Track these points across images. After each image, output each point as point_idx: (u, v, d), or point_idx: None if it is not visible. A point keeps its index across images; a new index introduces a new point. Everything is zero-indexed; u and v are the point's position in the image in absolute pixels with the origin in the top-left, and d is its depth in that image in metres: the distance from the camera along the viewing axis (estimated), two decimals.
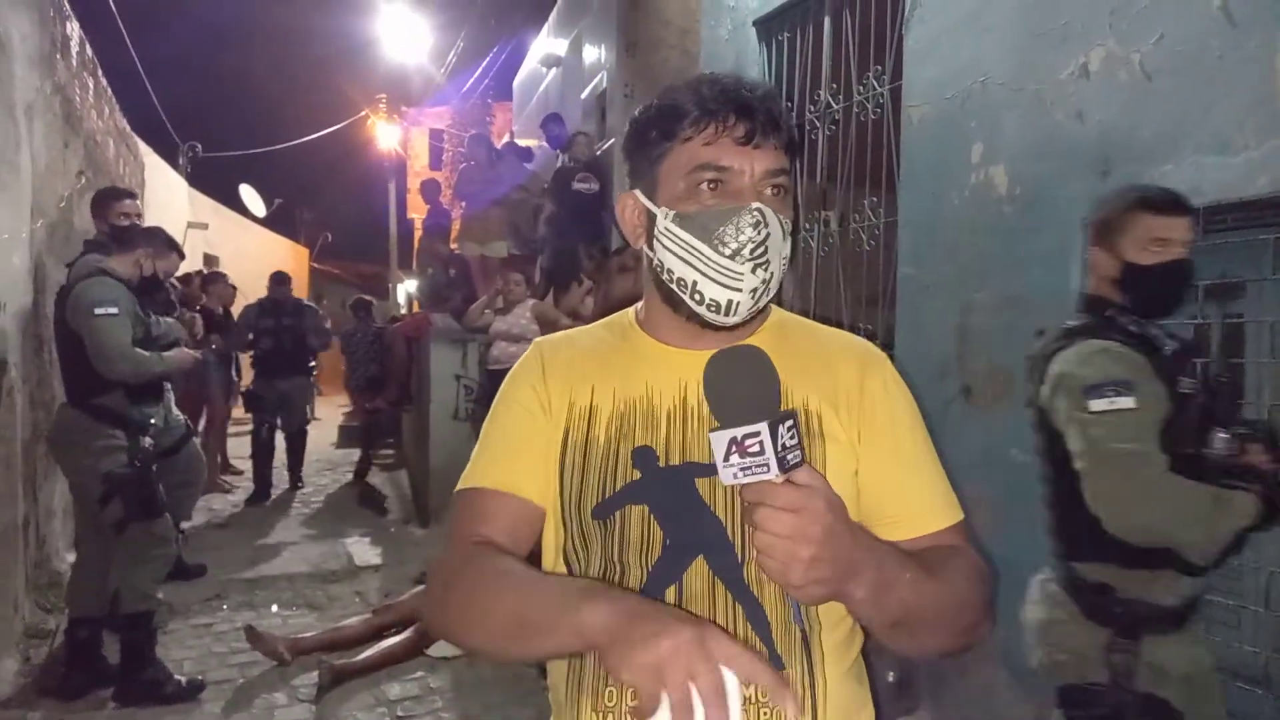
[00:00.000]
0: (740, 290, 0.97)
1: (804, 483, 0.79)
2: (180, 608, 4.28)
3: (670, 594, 0.96)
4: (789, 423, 0.78)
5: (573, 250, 7.07)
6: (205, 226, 12.35)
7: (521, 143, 9.09)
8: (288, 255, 20.33)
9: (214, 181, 14.15)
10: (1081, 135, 2.53)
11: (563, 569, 1.04)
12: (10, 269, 3.72)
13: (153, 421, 3.47)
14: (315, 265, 23.12)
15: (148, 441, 3.42)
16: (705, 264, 0.98)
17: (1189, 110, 2.25)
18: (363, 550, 5.58)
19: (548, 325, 5.73)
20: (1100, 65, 2.48)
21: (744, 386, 0.81)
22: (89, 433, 3.33)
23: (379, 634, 3.96)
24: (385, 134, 19.75)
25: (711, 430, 0.80)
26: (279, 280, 7.30)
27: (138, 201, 4.13)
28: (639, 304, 1.14)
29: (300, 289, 19.43)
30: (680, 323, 1.04)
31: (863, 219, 3.59)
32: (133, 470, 3.32)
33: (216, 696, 3.47)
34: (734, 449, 0.78)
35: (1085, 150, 2.51)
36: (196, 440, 4.10)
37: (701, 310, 1.00)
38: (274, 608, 4.51)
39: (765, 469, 0.77)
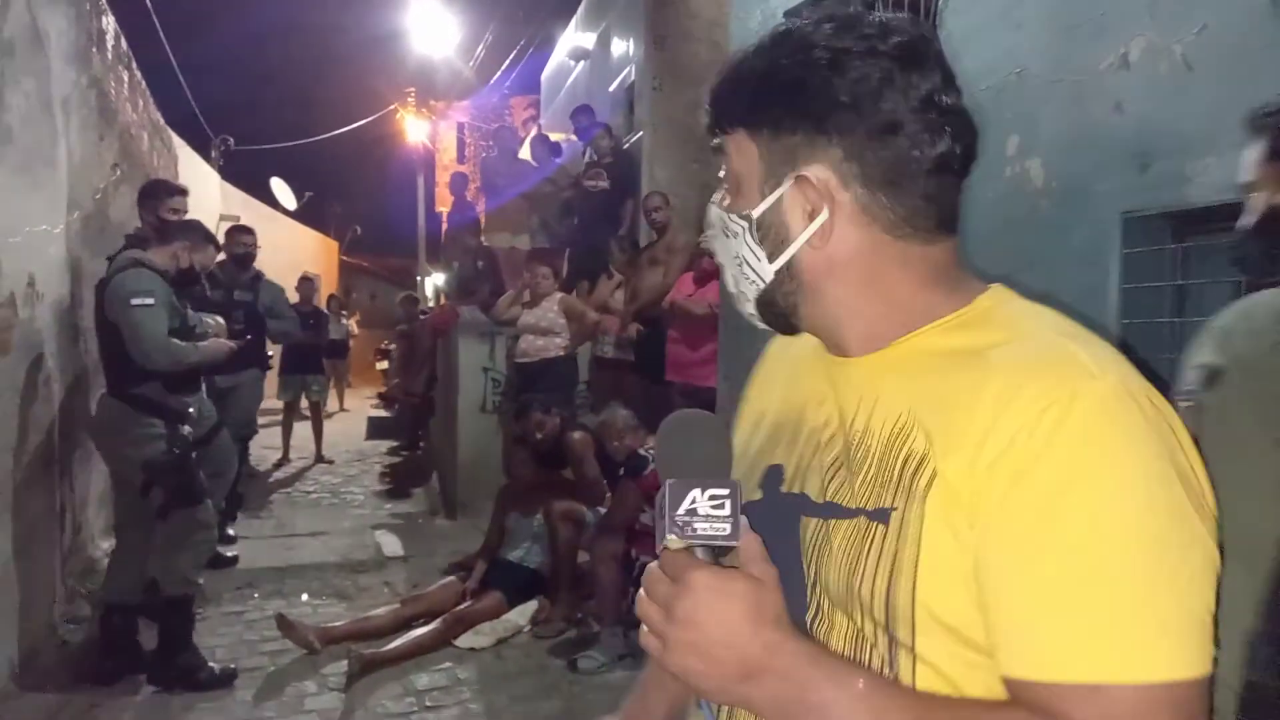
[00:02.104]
0: (729, 295, 0.89)
1: (738, 562, 0.70)
2: (212, 596, 4.33)
3: None
4: (709, 489, 0.70)
5: (598, 244, 7.09)
6: (237, 219, 12.49)
7: (551, 136, 9.10)
8: (317, 248, 20.54)
9: (246, 175, 14.34)
10: (1120, 127, 2.48)
11: None
12: (47, 260, 3.78)
13: (190, 410, 3.53)
14: (344, 258, 23.34)
15: (186, 429, 3.48)
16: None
17: (1232, 102, 2.20)
18: (391, 542, 5.63)
19: (575, 318, 5.74)
20: (1140, 56, 2.43)
21: (678, 450, 0.74)
22: (129, 421, 3.39)
23: (407, 624, 4.00)
24: (414, 128, 19.87)
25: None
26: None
27: (186, 199, 4.21)
28: None
29: (329, 282, 19.64)
30: None
31: None
32: (172, 457, 3.38)
33: (248, 684, 3.52)
34: (658, 511, 0.73)
35: (1124, 143, 2.46)
36: (226, 431, 4.16)
37: None
38: (304, 597, 4.57)
39: (665, 530, 0.71)
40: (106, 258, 3.71)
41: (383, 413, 10.39)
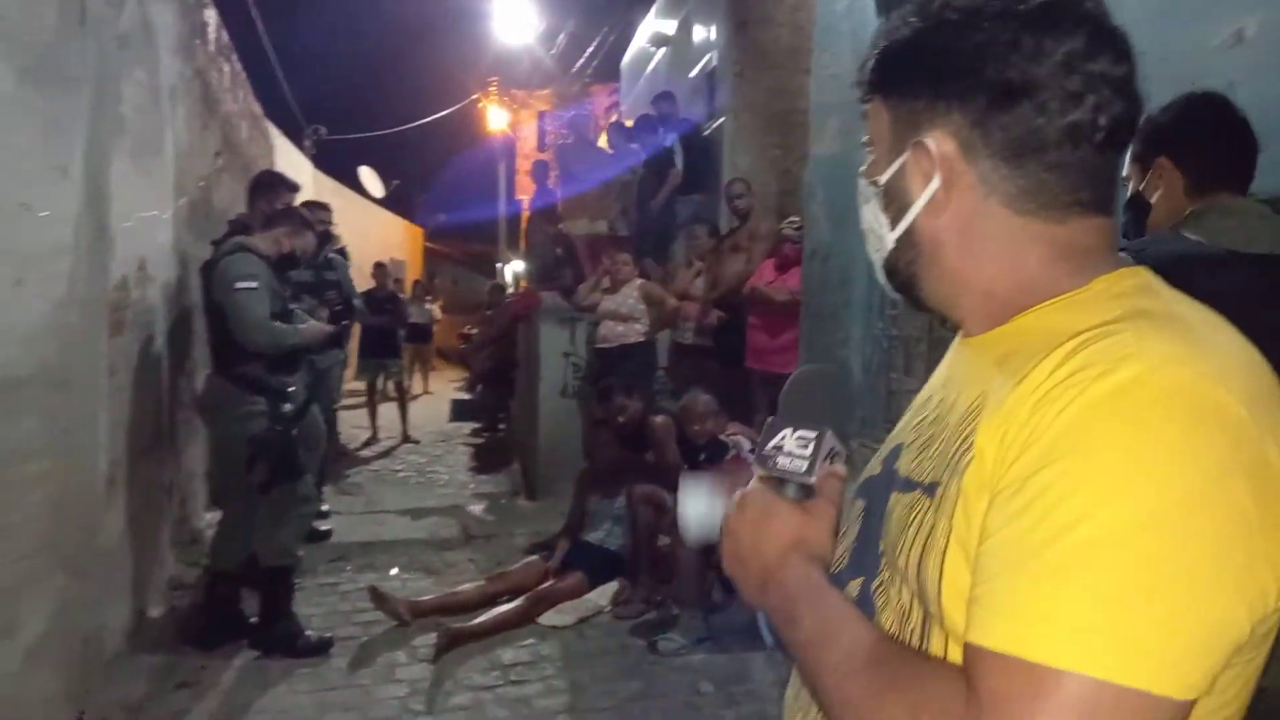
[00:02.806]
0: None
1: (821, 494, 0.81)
2: (308, 568, 4.51)
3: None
4: (799, 430, 0.81)
5: (671, 231, 7.12)
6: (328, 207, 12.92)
7: (628, 124, 9.13)
8: (403, 235, 21.02)
9: (336, 163, 14.77)
10: None
11: None
12: (156, 245, 3.97)
13: (290, 389, 3.69)
14: (429, 245, 23.85)
15: (287, 407, 3.64)
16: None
17: None
18: (476, 521, 5.77)
19: (655, 304, 5.77)
20: (1256, 33, 2.32)
21: (798, 399, 0.87)
22: (234, 399, 3.56)
23: (492, 601, 4.10)
24: (495, 117, 20.18)
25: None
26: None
27: (296, 195, 4.42)
28: None
29: (414, 268, 20.10)
30: None
31: None
32: (275, 434, 3.54)
33: (342, 652, 3.66)
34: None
35: None
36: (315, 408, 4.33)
37: None
38: (393, 571, 4.72)
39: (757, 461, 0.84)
40: (212, 242, 3.89)
41: (466, 395, 10.62)
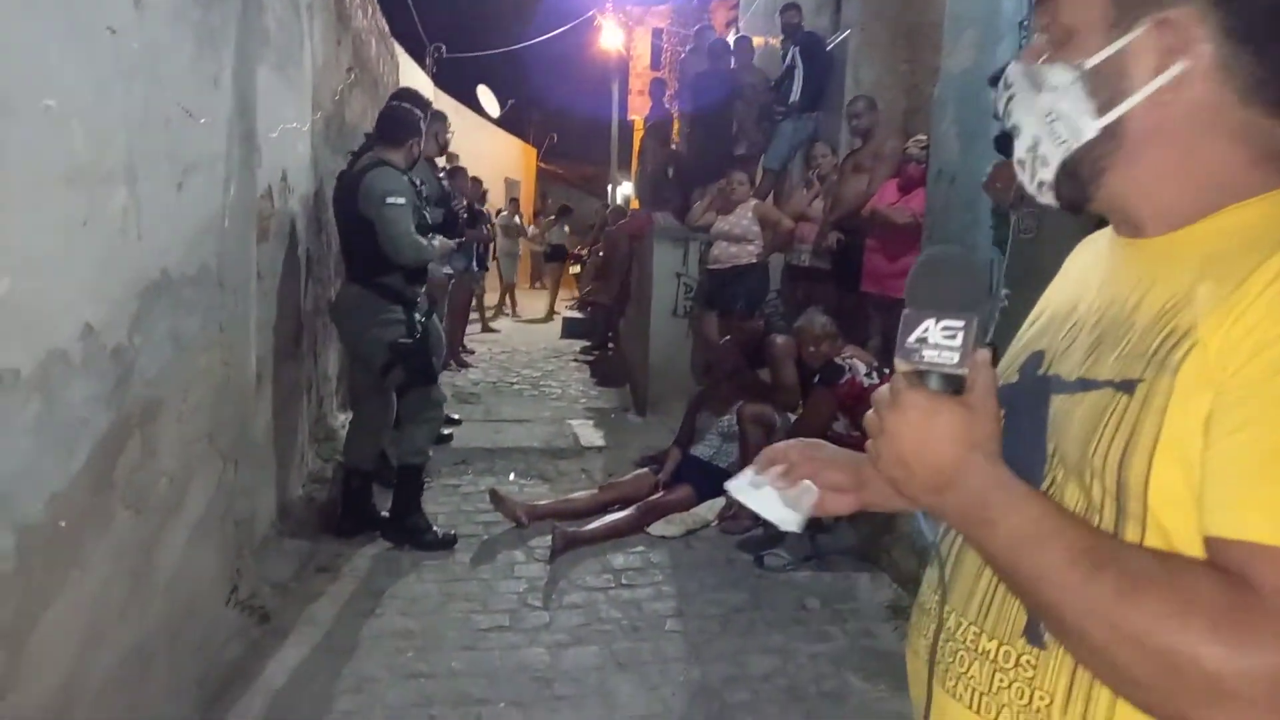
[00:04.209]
0: (1019, 163, 0.83)
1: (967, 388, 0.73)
2: (432, 470, 4.77)
3: None
4: (944, 320, 0.73)
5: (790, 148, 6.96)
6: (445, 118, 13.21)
7: (752, 39, 8.86)
8: (518, 155, 21.22)
9: (454, 82, 14.93)
10: None
11: None
12: (297, 157, 4.14)
13: (421, 299, 3.87)
14: (541, 165, 24.01)
15: (419, 316, 3.82)
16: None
17: None
18: (587, 433, 5.95)
19: (770, 226, 5.69)
20: None
21: (928, 284, 0.77)
22: (374, 307, 3.76)
23: (603, 508, 4.25)
24: (609, 35, 19.88)
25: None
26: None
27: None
28: None
29: (528, 189, 20.33)
30: None
31: None
32: (414, 341, 3.73)
33: (465, 548, 3.90)
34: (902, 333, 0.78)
35: None
36: (436, 318, 4.51)
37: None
38: (511, 476, 4.94)
39: (900, 355, 0.77)
40: (351, 152, 4.04)
41: (577, 314, 10.83)
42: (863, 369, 3.93)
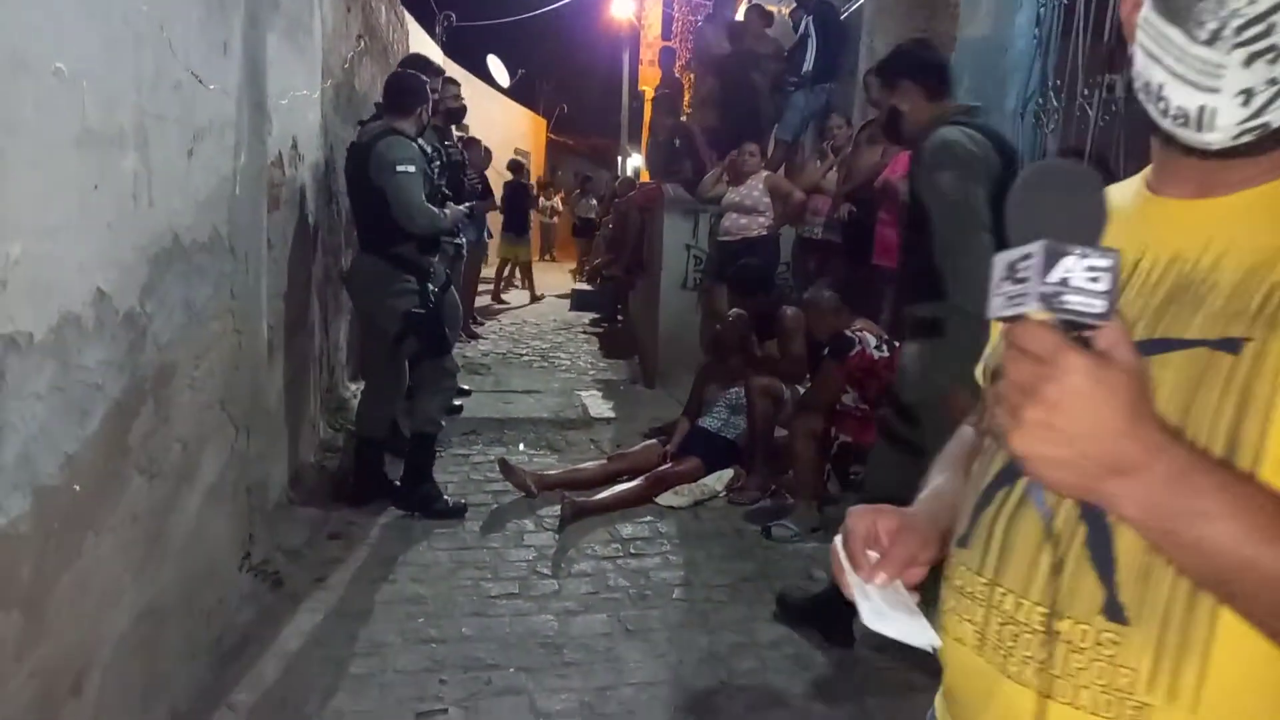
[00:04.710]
0: (1217, 91, 0.68)
1: (1099, 346, 0.59)
2: (443, 439, 4.79)
3: (1019, 487, 0.81)
4: (1088, 258, 0.59)
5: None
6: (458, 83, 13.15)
7: (767, 7, 8.75)
8: (528, 126, 21.08)
9: (464, 51, 14.81)
10: None
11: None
12: (307, 125, 4.13)
13: (433, 270, 3.87)
14: (551, 136, 23.87)
15: (432, 287, 3.82)
16: (1175, 57, 0.70)
17: None
18: (596, 404, 5.97)
19: (781, 198, 5.65)
20: None
21: (1044, 203, 0.63)
22: (387, 277, 3.76)
23: (612, 479, 4.28)
24: (621, 3, 19.67)
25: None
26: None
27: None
28: None
29: (538, 160, 20.23)
30: (1161, 157, 0.80)
31: None
32: (428, 311, 3.74)
33: (475, 517, 3.93)
34: (1007, 273, 0.63)
35: None
36: (454, 289, 4.52)
37: (1168, 125, 0.73)
38: (520, 446, 4.96)
39: (1027, 300, 0.60)
40: (359, 122, 4.02)
41: (587, 286, 10.83)
42: (872, 341, 3.91)
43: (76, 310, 1.76)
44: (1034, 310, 0.60)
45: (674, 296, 6.46)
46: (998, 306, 0.64)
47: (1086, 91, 3.55)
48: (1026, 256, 0.61)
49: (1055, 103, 3.78)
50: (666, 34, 20.30)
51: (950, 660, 0.87)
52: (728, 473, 4.39)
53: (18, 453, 1.56)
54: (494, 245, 12.07)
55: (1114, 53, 3.50)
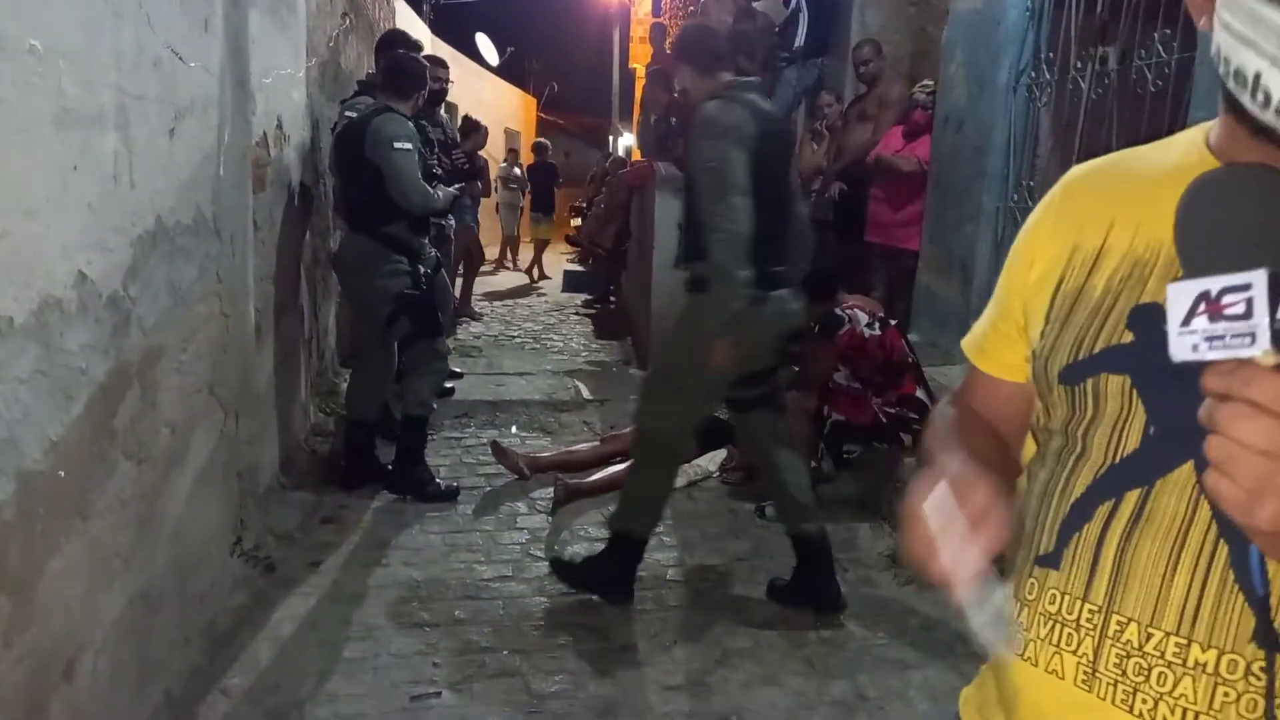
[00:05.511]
0: None
1: None
2: (434, 422, 4.77)
3: (1130, 501, 0.73)
4: None
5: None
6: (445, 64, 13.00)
7: None
8: (518, 105, 20.92)
9: (452, 29, 14.67)
10: None
11: (1031, 443, 0.88)
12: (292, 104, 4.07)
13: (424, 251, 3.84)
14: (542, 115, 23.70)
15: (423, 268, 3.79)
16: (1276, 43, 0.59)
17: None
18: (588, 385, 5.94)
19: None
20: None
21: (1237, 221, 0.53)
22: (379, 258, 3.72)
23: (605, 460, 4.26)
24: None
25: (1173, 280, 0.54)
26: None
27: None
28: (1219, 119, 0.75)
29: (528, 139, 20.08)
30: (1249, 143, 0.68)
31: (1150, 55, 3.18)
32: (419, 292, 3.71)
33: (468, 500, 3.91)
34: (1202, 307, 0.52)
35: None
36: (444, 272, 4.49)
37: (1268, 117, 0.62)
38: (513, 429, 4.95)
39: (1248, 341, 0.50)
40: (340, 101, 3.96)
41: (578, 267, 10.79)
42: (863, 319, 3.90)
43: (58, 293, 1.73)
44: (1265, 354, 0.50)
45: (666, 277, 6.40)
46: (1188, 348, 0.53)
47: (1080, 64, 3.52)
48: (1238, 288, 0.50)
49: (1048, 75, 3.75)
50: (657, 10, 20.13)
51: (1036, 693, 0.79)
52: (721, 453, 4.38)
53: (1, 437, 1.54)
54: (524, 224, 12.07)
55: (1106, 25, 3.48)
